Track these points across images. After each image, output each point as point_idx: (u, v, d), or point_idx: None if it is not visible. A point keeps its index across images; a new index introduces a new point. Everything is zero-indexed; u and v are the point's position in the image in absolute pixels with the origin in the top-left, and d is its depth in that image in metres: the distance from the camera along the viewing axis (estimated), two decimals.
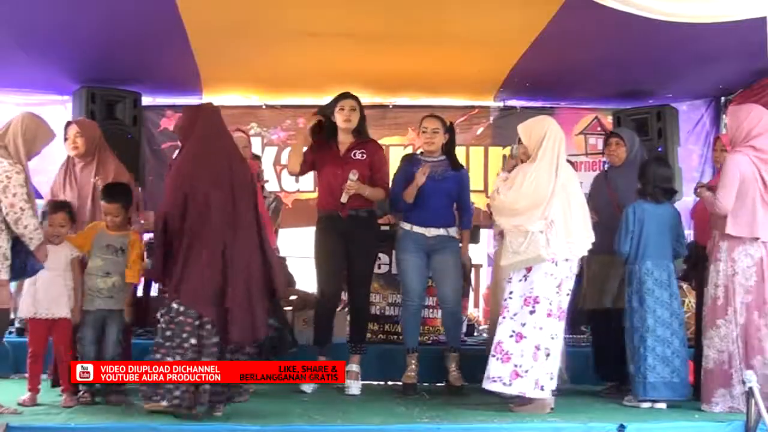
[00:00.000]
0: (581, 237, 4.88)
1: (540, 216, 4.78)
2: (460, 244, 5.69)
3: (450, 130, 5.70)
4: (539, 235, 4.76)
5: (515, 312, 4.84)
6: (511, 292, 4.88)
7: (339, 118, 5.60)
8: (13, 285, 4.80)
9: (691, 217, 5.95)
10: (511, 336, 4.81)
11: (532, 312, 4.81)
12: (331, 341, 5.66)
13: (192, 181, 4.54)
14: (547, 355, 4.80)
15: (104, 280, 4.94)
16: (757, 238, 4.86)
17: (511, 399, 4.89)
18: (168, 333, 4.47)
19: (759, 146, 4.92)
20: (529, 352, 4.77)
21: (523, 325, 4.81)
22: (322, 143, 5.65)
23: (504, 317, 4.87)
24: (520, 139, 5.15)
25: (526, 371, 4.76)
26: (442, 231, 5.55)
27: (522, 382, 4.77)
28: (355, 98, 5.67)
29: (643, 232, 5.13)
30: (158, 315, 4.56)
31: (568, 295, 4.90)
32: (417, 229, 5.53)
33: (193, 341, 4.44)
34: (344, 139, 5.64)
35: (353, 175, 5.45)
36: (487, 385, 4.84)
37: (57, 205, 5.08)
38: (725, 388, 4.86)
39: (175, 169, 4.71)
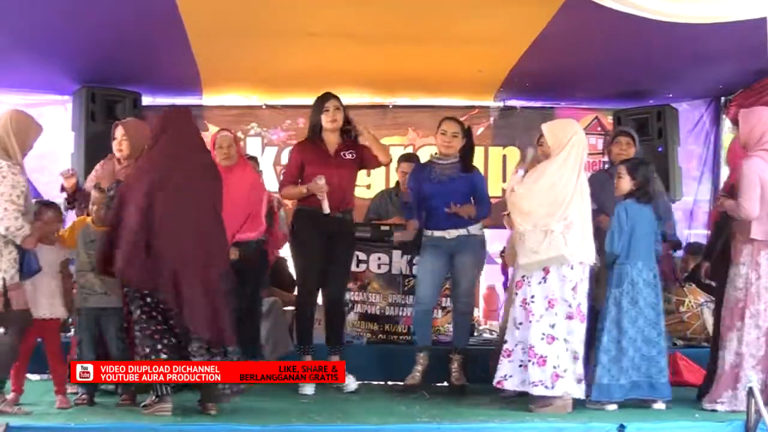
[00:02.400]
0: (591, 242, 4.89)
1: (560, 216, 4.77)
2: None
3: (468, 134, 5.70)
4: (559, 236, 4.75)
5: (541, 314, 4.81)
6: (533, 296, 4.84)
7: (325, 119, 5.58)
8: None
9: (710, 219, 5.90)
10: (542, 339, 4.78)
11: (556, 314, 4.79)
12: (312, 340, 5.62)
13: (160, 175, 4.56)
14: (575, 358, 4.81)
15: (94, 274, 4.88)
16: None
17: (532, 400, 4.84)
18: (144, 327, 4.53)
19: None
20: (564, 353, 4.77)
21: (552, 326, 4.79)
22: (308, 145, 5.66)
23: (530, 321, 4.83)
24: (538, 140, 5.13)
25: (565, 371, 4.75)
26: (462, 231, 5.53)
27: (564, 383, 4.75)
28: (337, 98, 5.66)
29: (635, 233, 5.03)
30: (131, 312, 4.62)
31: (585, 298, 4.89)
32: (437, 233, 5.55)
33: (165, 341, 4.50)
34: (331, 140, 5.63)
35: (320, 180, 5.42)
36: (531, 390, 4.78)
37: (46, 204, 5.05)
38: (733, 390, 4.82)
39: (143, 165, 4.72)
